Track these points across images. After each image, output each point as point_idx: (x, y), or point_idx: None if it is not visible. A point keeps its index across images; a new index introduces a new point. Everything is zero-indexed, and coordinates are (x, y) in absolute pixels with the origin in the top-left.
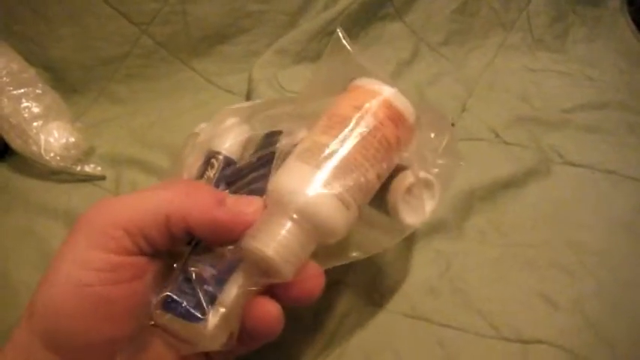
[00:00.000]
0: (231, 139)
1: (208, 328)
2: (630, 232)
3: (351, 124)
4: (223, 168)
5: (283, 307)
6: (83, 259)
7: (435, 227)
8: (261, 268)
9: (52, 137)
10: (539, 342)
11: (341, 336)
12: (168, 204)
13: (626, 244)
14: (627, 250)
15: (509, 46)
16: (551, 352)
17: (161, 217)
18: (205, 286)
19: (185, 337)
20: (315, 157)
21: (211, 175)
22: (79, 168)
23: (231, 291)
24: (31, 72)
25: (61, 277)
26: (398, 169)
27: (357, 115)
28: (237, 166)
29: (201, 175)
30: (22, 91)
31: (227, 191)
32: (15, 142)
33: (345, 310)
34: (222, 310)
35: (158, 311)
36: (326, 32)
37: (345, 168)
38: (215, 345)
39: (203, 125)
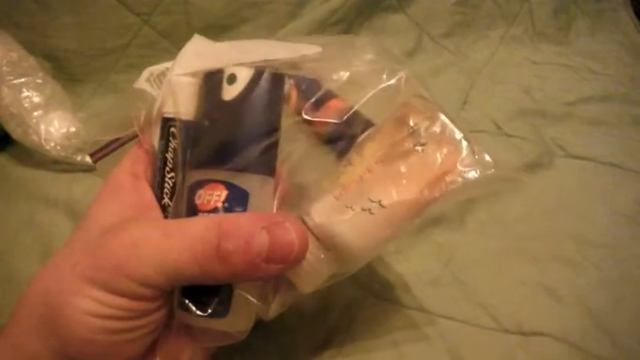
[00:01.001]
0: (181, 98)
1: (232, 322)
2: (633, 225)
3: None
4: (185, 132)
5: None
6: (100, 299)
7: (436, 219)
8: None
9: (53, 127)
10: (541, 334)
11: (342, 327)
12: (193, 269)
13: (629, 237)
14: (630, 242)
15: (512, 39)
16: (553, 344)
17: (184, 279)
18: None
19: (214, 332)
20: (399, 221)
21: (176, 145)
22: (79, 158)
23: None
24: (31, 61)
25: (77, 307)
26: None
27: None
28: (195, 122)
29: (165, 149)
30: (23, 80)
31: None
32: (15, 132)
33: (346, 302)
34: (243, 298)
35: (183, 313)
36: (328, 23)
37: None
38: (243, 328)
39: (146, 74)
